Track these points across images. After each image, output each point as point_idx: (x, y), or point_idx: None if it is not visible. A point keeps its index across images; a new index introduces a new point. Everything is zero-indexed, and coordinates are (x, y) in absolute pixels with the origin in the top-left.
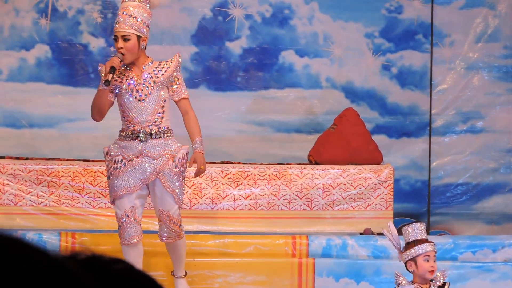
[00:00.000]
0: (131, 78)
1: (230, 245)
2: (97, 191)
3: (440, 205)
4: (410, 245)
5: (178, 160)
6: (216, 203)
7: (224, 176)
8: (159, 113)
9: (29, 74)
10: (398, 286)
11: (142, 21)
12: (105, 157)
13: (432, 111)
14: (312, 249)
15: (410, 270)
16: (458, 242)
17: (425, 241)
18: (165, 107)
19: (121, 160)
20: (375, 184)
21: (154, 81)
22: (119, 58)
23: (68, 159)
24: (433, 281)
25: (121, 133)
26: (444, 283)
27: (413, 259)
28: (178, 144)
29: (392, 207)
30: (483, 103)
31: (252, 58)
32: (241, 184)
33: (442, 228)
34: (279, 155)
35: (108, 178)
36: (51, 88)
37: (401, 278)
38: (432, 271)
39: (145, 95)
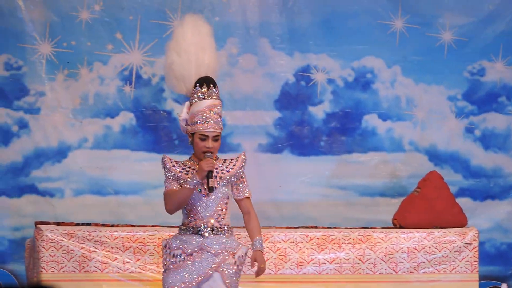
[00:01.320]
0: None
1: None
2: None
3: None
4: None
5: (238, 258)
6: (301, 268)
7: (309, 241)
8: (222, 209)
9: (114, 141)
10: None
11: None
12: (163, 249)
13: None
14: None
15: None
16: None
17: None
18: (228, 204)
19: (180, 254)
20: (460, 247)
21: (220, 177)
22: (210, 158)
23: (153, 225)
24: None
25: (182, 227)
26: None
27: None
28: (239, 243)
29: (477, 269)
30: None
31: (335, 122)
32: (326, 248)
33: None
34: (363, 219)
35: (165, 271)
36: (136, 155)
37: None
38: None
39: None
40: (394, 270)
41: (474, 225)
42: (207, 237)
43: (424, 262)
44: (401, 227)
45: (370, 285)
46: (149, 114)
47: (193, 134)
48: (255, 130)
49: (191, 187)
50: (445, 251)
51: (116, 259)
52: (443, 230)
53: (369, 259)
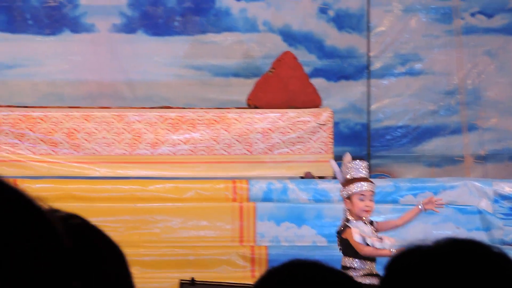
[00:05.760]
0: None
1: (170, 190)
2: (37, 138)
3: (380, 148)
4: (348, 182)
5: None
6: (156, 148)
7: (164, 121)
8: None
9: None
10: (348, 222)
11: None
12: None
13: (370, 54)
14: (252, 194)
15: (347, 207)
16: (399, 185)
17: (364, 179)
18: None
19: None
20: (314, 128)
21: None
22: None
23: (7, 106)
24: (365, 218)
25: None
26: (371, 222)
27: (349, 197)
28: None
29: (332, 150)
30: (421, 45)
31: (189, 2)
32: (181, 128)
33: (383, 171)
34: (217, 100)
35: None
36: None
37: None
38: (368, 211)
39: None
40: (248, 151)
41: (328, 106)
42: None
43: (278, 143)
44: (255, 107)
45: (225, 166)
46: None
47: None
48: (109, 10)
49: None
50: (299, 131)
51: None
52: (298, 110)
53: (224, 139)
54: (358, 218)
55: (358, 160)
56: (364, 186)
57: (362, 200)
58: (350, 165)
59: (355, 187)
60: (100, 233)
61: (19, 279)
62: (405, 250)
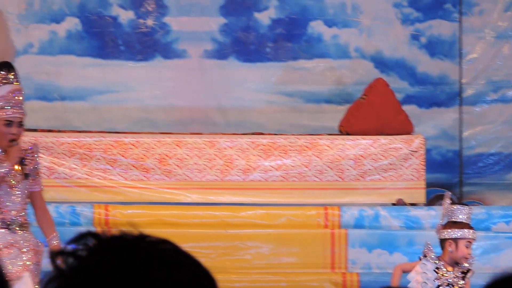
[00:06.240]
0: None
1: (262, 216)
2: (129, 163)
3: (472, 175)
4: (454, 225)
5: (39, 256)
6: (247, 174)
7: (255, 147)
8: (26, 203)
9: (59, 47)
10: (425, 257)
11: None
12: None
13: (462, 81)
14: (344, 220)
15: (448, 248)
16: (491, 213)
17: (470, 227)
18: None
19: None
20: (406, 154)
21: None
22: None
23: (99, 132)
24: (459, 265)
25: None
26: (468, 270)
27: (455, 240)
28: (37, 239)
29: (424, 177)
30: None
31: (281, 28)
32: (272, 155)
33: (475, 198)
34: (309, 126)
35: None
36: (82, 61)
37: (431, 250)
38: (467, 258)
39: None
40: (340, 177)
41: (420, 132)
42: (17, 233)
43: (370, 169)
44: (347, 134)
45: (317, 192)
46: (95, 19)
47: None
48: (201, 36)
49: (4, 174)
50: (391, 158)
51: (62, 165)
52: (389, 137)
53: (316, 166)
54: (452, 261)
55: (465, 206)
56: (472, 234)
57: (467, 247)
58: (455, 207)
59: (464, 233)
60: (191, 259)
61: None
62: (500, 277)
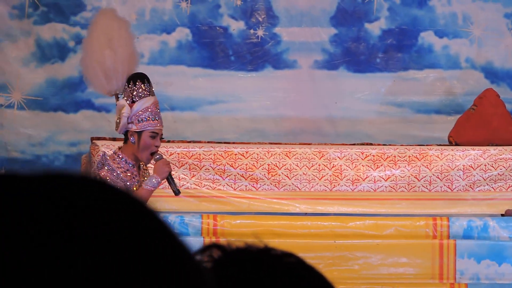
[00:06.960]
0: None
1: (370, 227)
2: (238, 173)
3: None
4: None
5: None
6: (356, 185)
7: (364, 158)
8: None
9: (170, 57)
10: None
11: None
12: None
13: None
14: (453, 231)
15: None
16: None
17: None
18: None
19: None
20: None
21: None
22: (162, 159)
23: (209, 142)
24: None
25: None
26: None
27: None
28: None
29: None
30: None
31: (391, 39)
32: (381, 165)
33: None
34: (419, 136)
35: None
36: (192, 71)
37: None
38: None
39: None
40: (449, 188)
41: None
42: None
43: (479, 180)
44: (457, 144)
45: (425, 203)
46: (205, 30)
47: (139, 132)
48: (311, 47)
49: (153, 188)
50: (501, 169)
51: (172, 175)
52: (499, 147)
53: (425, 176)
54: None
55: None
56: None
57: None
58: None
59: None
60: (315, 273)
61: None
62: None
